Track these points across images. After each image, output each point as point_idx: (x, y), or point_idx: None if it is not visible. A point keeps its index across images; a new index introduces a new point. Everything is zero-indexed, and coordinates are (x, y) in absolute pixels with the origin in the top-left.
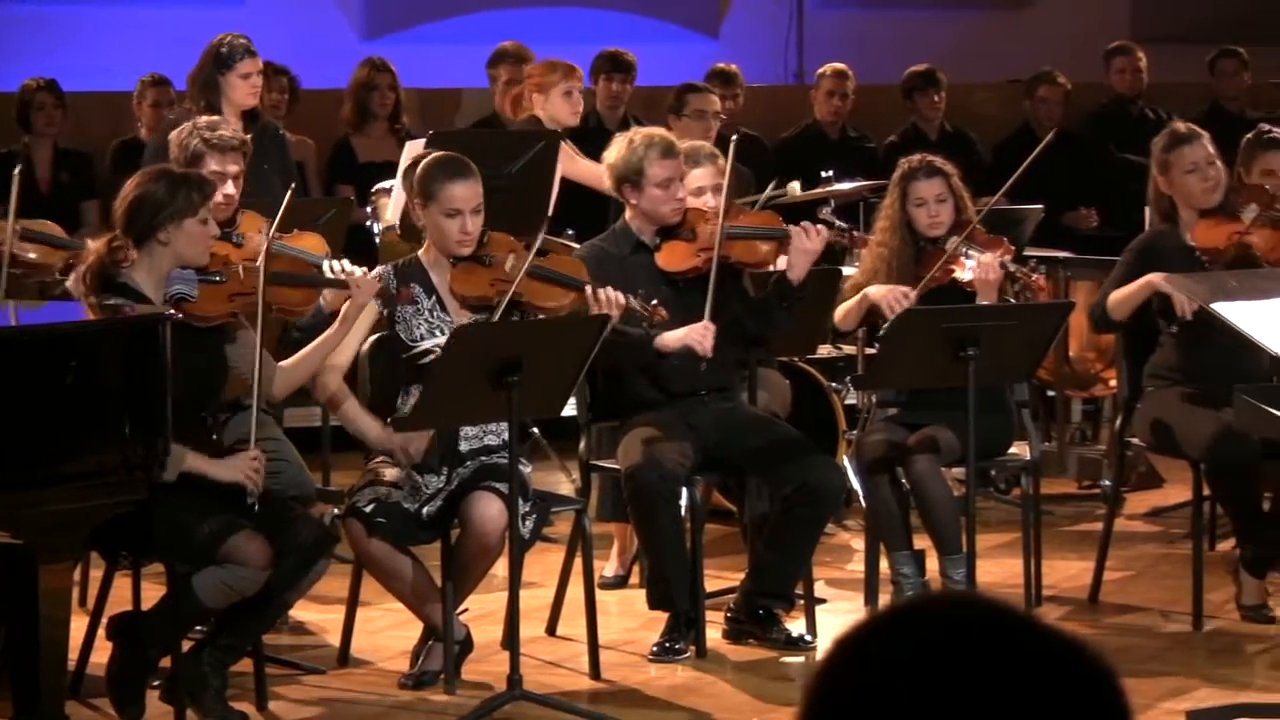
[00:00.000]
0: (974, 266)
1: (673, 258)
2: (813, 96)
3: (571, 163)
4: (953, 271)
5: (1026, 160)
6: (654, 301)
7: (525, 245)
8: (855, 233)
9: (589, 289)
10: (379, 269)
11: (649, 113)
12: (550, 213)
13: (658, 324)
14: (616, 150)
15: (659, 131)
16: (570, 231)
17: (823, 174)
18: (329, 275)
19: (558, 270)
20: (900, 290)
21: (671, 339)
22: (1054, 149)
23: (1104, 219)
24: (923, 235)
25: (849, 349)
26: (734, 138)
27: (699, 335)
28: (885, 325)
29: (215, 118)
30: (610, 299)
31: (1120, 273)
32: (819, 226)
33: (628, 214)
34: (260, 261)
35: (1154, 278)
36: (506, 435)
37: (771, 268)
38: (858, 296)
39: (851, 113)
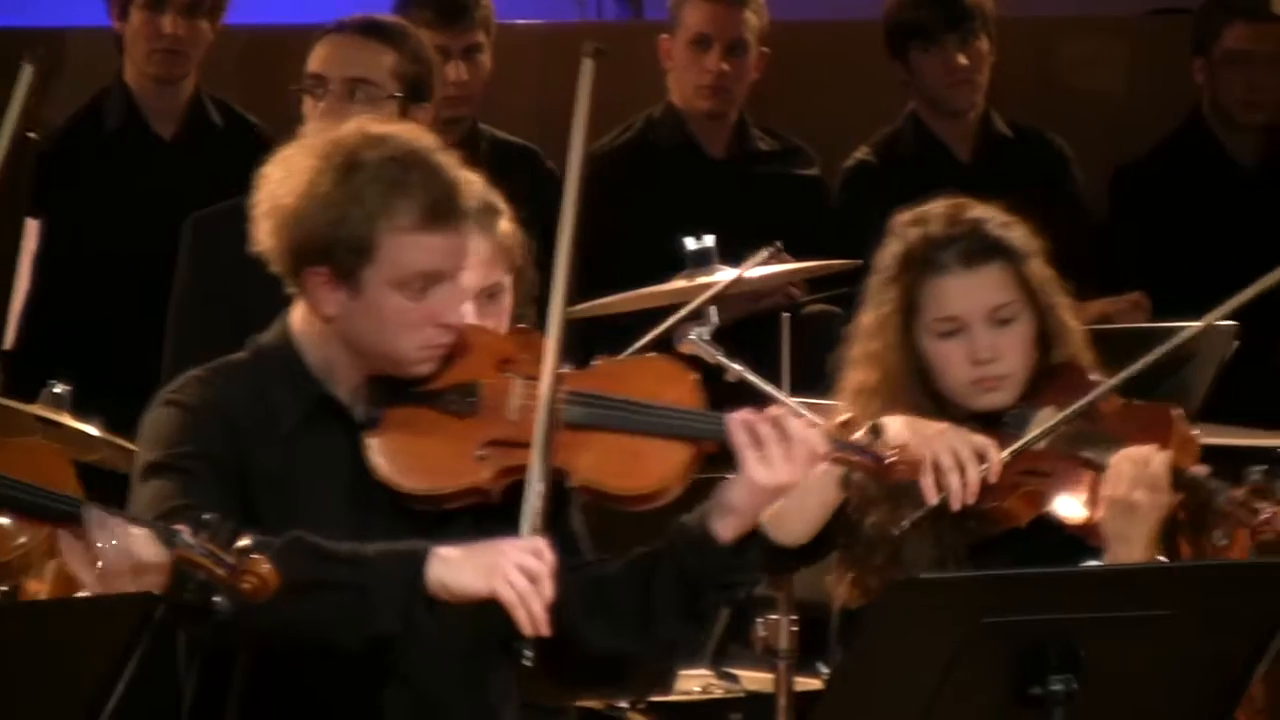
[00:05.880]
0: (1107, 493)
1: (414, 455)
2: (664, 53)
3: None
4: (1044, 500)
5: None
6: (245, 543)
7: None
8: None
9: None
10: None
11: (254, 95)
12: (10, 342)
13: (244, 596)
14: (299, 173)
15: (423, 145)
16: (61, 389)
17: (688, 242)
18: None
19: (23, 488)
20: (971, 439)
21: (456, 575)
22: None
23: None
24: (959, 404)
25: (757, 677)
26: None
27: (529, 567)
28: (913, 517)
29: None
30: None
31: None
32: (809, 428)
33: (300, 320)
34: None
35: None
36: None
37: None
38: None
39: (757, 93)
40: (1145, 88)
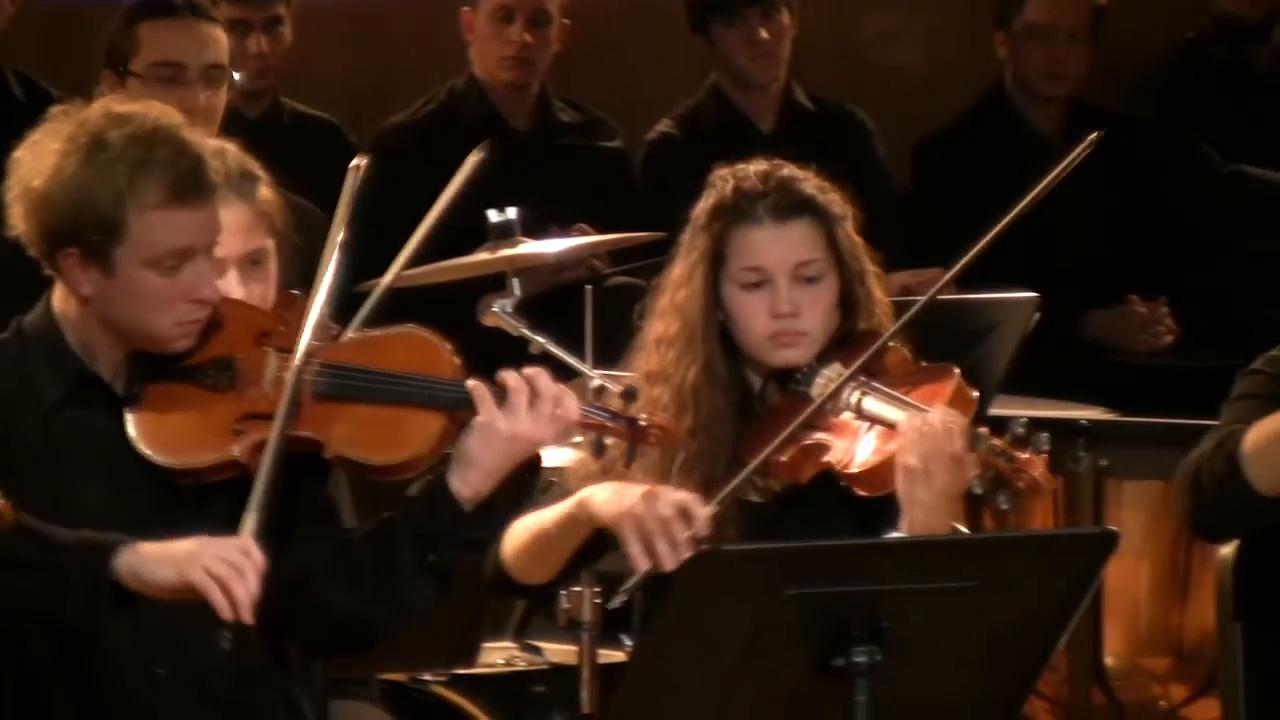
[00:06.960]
0: (892, 435)
1: (172, 429)
2: (466, 25)
3: None
4: (823, 452)
5: (1043, 181)
6: None
7: None
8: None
9: None
10: None
11: (56, 69)
12: None
13: None
14: (47, 156)
15: (168, 121)
16: None
17: (491, 214)
18: None
19: None
20: (673, 500)
21: (157, 564)
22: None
23: (1186, 320)
24: (757, 360)
25: (561, 649)
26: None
27: (229, 558)
28: (630, 583)
29: None
30: None
31: (1252, 393)
32: (544, 380)
33: (60, 299)
34: None
35: None
36: None
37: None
38: (569, 504)
39: (560, 66)
40: (946, 61)
